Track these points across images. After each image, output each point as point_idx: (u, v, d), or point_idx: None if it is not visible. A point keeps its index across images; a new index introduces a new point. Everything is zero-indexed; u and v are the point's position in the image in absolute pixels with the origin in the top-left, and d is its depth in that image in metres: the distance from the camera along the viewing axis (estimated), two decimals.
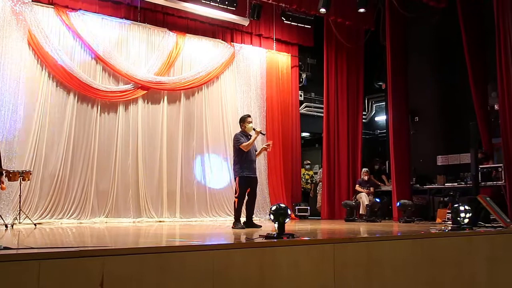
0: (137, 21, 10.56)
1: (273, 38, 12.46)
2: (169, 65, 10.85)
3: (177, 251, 3.27)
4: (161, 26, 10.89)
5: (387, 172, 12.24)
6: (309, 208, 12.38)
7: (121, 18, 10.39)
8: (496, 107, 9.98)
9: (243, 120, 7.78)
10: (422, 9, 11.07)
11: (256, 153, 7.77)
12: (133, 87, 10.37)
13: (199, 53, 11.35)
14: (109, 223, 9.39)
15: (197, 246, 3.44)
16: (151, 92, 10.63)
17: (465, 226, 5.73)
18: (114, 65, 10.16)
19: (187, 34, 11.18)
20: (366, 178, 11.44)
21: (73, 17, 9.81)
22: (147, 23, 10.70)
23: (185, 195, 10.72)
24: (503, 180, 9.02)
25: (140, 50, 10.60)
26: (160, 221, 10.06)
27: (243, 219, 7.54)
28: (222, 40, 11.74)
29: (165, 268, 3.13)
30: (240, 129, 7.78)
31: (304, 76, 13.44)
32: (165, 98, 10.82)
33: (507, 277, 5.26)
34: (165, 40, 10.87)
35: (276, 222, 4.24)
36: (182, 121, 10.95)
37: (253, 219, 7.61)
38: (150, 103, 10.65)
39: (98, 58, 10.05)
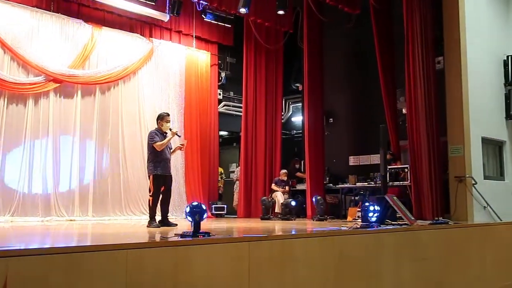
0: (49, 11, 10.08)
1: (193, 36, 12.38)
2: (83, 58, 10.45)
3: (88, 250, 3.16)
4: (75, 17, 10.46)
5: (303, 171, 12.56)
6: (225, 206, 12.43)
7: (32, 6, 9.87)
8: (404, 111, 10.55)
9: (161, 118, 7.65)
10: (338, 14, 11.47)
11: (171, 151, 7.69)
12: (44, 80, 9.89)
13: (116, 47, 11.02)
14: (15, 222, 8.88)
15: (109, 246, 3.34)
16: (64, 86, 10.19)
17: (373, 223, 6.01)
18: (24, 55, 9.64)
19: (104, 27, 10.83)
20: (285, 178, 11.68)
21: None
22: (61, 13, 10.24)
23: (98, 193, 10.37)
24: (409, 180, 9.54)
25: (52, 41, 10.12)
26: (71, 220, 9.68)
27: (158, 217, 7.44)
28: (141, 34, 11.49)
29: (75, 269, 3.02)
30: (156, 126, 7.66)
31: (223, 75, 13.48)
32: (79, 92, 10.41)
33: (410, 271, 5.57)
34: (80, 32, 10.46)
35: (192, 221, 4.23)
36: (96, 117, 10.59)
37: (168, 217, 7.53)
38: (62, 96, 10.20)
39: (6, 48, 9.49)
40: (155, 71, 11.67)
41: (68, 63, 10.20)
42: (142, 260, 3.32)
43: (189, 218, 4.27)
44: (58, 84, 10.07)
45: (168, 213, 7.58)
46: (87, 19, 10.62)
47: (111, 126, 10.79)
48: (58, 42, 10.19)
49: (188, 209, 4.33)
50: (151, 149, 7.42)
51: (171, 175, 7.65)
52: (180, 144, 7.93)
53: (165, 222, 7.35)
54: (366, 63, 11.80)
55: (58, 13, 10.20)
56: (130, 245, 3.36)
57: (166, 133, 7.58)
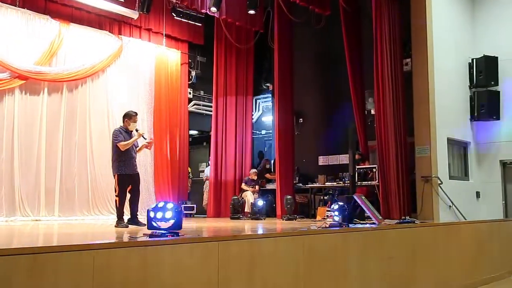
0: (15, 6, 9.83)
1: (163, 34, 12.26)
2: (50, 55, 10.24)
3: (53, 251, 3.09)
4: (42, 12, 10.24)
5: (273, 171, 12.60)
6: (195, 206, 12.38)
7: None
8: (372, 111, 10.69)
9: (129, 117, 7.42)
10: (309, 15, 11.54)
11: (137, 149, 7.56)
12: (9, 76, 9.64)
13: (84, 44, 10.84)
14: None
15: (76, 246, 3.28)
16: (30, 83, 9.97)
17: (342, 223, 6.06)
18: None
19: (71, 24, 10.63)
20: (255, 178, 11.70)
21: None
22: (27, 9, 10.00)
23: (65, 192, 10.19)
24: (377, 180, 9.68)
25: (18, 37, 9.87)
26: (36, 220, 9.48)
27: (127, 217, 7.34)
28: (110, 32, 11.32)
29: (40, 270, 2.95)
30: (122, 124, 7.52)
31: (193, 73, 13.42)
32: (46, 89, 10.21)
33: (377, 269, 5.64)
34: (47, 28, 10.25)
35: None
36: (63, 115, 10.40)
37: (138, 217, 7.43)
38: (28, 94, 9.97)
39: None
40: (124, 69, 11.52)
41: (34, 59, 9.98)
42: (109, 260, 3.26)
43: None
44: (24, 81, 9.84)
45: (137, 212, 7.46)
46: (55, 15, 10.40)
47: (78, 125, 10.61)
48: (24, 38, 9.95)
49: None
50: (115, 148, 7.24)
51: (138, 174, 7.50)
52: (147, 142, 7.75)
53: (134, 221, 7.25)
54: (336, 64, 11.91)
55: (24, 8, 9.96)
56: (98, 246, 3.31)
57: (132, 132, 7.42)
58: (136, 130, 7.41)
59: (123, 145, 7.17)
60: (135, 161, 7.46)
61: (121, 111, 10.84)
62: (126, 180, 7.24)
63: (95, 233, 6.03)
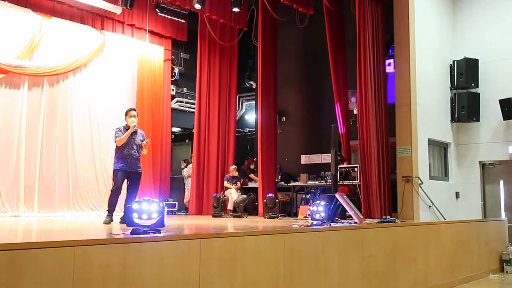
0: None
1: (146, 30, 12.18)
2: (31, 49, 10.09)
3: (32, 248, 3.06)
4: (23, 6, 10.09)
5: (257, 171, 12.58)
6: (177, 203, 12.32)
7: None
8: (355, 111, 10.75)
9: (126, 113, 7.54)
10: (293, 14, 11.57)
11: (141, 149, 7.53)
12: None
13: (66, 39, 10.70)
14: None
15: (56, 243, 3.24)
16: (10, 76, 9.82)
17: (323, 221, 6.09)
18: None
19: (53, 17, 10.49)
20: (236, 174, 11.67)
21: None
22: (7, 1, 9.84)
23: (44, 188, 10.07)
24: (358, 180, 9.74)
25: None
26: (15, 216, 9.34)
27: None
28: (92, 27, 11.20)
29: (18, 267, 2.91)
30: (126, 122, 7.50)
31: (176, 70, 13.35)
32: (26, 83, 10.06)
33: (358, 267, 5.68)
34: (28, 21, 10.09)
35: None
36: (44, 109, 10.27)
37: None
38: (8, 87, 9.83)
39: None
40: (106, 64, 11.40)
41: (15, 53, 9.83)
42: (90, 257, 3.24)
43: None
44: (4, 75, 9.68)
45: None
46: (36, 8, 10.26)
47: (59, 120, 10.48)
48: (4, 31, 9.79)
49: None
50: (116, 144, 7.36)
51: (137, 172, 7.41)
52: (145, 141, 7.68)
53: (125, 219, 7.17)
54: (319, 63, 11.96)
55: (4, 1, 9.80)
56: (77, 242, 3.27)
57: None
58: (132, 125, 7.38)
59: (117, 140, 7.28)
60: (135, 159, 7.36)
61: (103, 106, 10.82)
62: (120, 176, 7.25)
63: (74, 229, 5.97)
